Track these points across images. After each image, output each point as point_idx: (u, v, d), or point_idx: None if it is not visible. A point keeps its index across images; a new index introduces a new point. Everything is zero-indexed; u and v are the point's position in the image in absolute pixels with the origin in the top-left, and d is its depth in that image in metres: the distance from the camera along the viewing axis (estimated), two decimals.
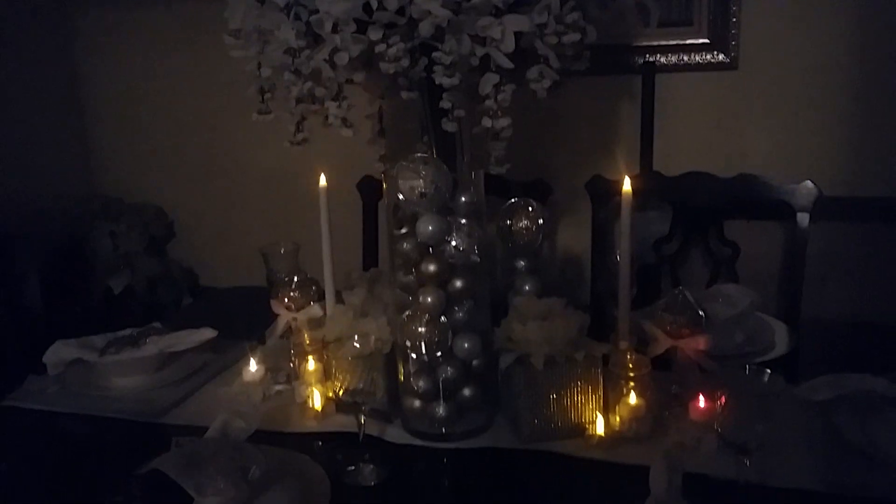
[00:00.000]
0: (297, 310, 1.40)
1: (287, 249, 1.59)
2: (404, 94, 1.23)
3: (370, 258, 1.98)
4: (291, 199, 2.22)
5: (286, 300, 1.40)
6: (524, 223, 1.32)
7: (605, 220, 1.85)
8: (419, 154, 1.18)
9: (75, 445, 1.30)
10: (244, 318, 1.56)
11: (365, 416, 1.12)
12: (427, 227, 1.15)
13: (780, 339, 1.53)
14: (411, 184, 1.15)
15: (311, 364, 1.33)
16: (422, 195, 1.14)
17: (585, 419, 1.20)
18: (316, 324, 1.39)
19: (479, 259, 1.18)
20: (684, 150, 2.04)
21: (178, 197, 2.55)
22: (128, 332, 1.53)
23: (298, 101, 1.22)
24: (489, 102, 1.18)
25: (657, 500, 0.92)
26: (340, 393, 1.12)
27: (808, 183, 1.70)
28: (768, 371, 0.98)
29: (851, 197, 1.89)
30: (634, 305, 1.29)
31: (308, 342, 1.34)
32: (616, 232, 1.84)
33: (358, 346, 1.14)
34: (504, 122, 1.20)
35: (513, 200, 1.34)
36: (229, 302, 2.01)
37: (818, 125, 1.94)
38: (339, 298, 1.36)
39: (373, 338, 1.15)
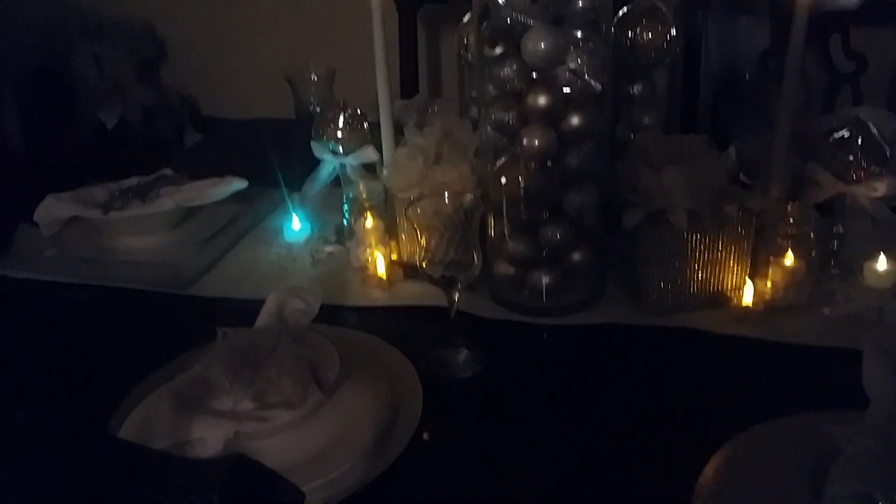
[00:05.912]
0: (346, 154, 1.11)
1: (319, 75, 1.30)
2: None
3: (409, 83, 1.65)
4: (310, 8, 1.88)
5: (336, 139, 1.10)
6: (648, 35, 1.00)
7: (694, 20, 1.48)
8: None
9: (82, 326, 1.04)
10: (266, 158, 1.28)
11: (460, 292, 0.88)
12: (539, 44, 0.83)
13: None
14: None
15: (370, 221, 1.06)
16: None
17: (728, 286, 0.96)
18: (369, 171, 1.11)
19: (601, 87, 0.88)
20: None
21: (168, 9, 2.14)
22: (134, 181, 1.25)
23: None
24: None
25: (883, 411, 0.68)
26: (425, 264, 0.87)
27: None
28: None
29: None
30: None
31: (364, 195, 1.07)
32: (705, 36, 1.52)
33: (448, 203, 0.87)
34: None
35: (630, 5, 1.02)
36: (242, 137, 1.71)
37: None
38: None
39: (469, 196, 0.87)
